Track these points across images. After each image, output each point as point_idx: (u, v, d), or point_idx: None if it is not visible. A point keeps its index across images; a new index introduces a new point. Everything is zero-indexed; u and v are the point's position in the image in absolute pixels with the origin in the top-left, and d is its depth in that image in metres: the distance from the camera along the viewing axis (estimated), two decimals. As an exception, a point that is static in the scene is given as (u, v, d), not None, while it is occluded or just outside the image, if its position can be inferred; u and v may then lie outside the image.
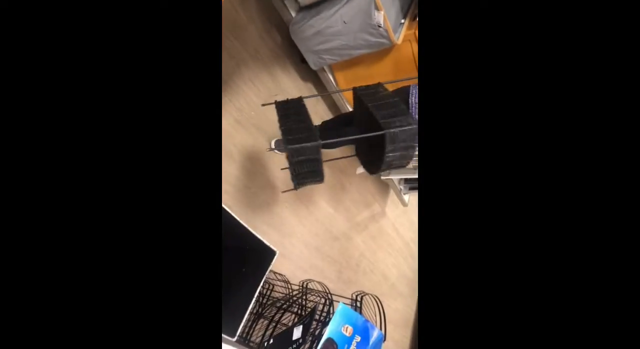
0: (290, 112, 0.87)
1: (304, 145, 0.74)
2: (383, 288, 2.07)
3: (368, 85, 0.94)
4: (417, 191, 2.07)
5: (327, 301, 0.89)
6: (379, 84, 0.95)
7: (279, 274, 1.30)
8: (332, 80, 1.44)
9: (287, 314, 0.96)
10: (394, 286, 2.16)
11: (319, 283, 1.22)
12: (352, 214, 1.86)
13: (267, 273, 0.86)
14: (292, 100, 0.94)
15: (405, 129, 0.76)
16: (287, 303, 0.97)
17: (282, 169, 1.39)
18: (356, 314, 0.83)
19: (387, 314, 2.12)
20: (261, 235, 1.38)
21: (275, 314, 0.91)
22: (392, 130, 0.75)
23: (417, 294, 2.47)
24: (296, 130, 0.78)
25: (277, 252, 0.89)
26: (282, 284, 1.22)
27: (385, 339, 1.05)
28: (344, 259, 1.77)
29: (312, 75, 1.51)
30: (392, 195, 2.18)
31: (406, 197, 2.10)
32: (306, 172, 0.80)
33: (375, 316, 1.14)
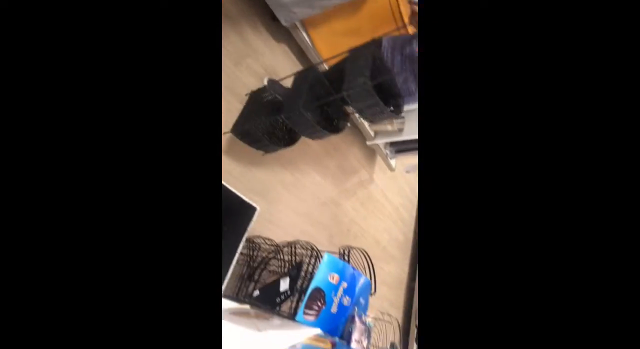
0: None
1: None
2: (375, 252, 2.09)
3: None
4: (403, 154, 2.06)
5: (314, 253, 0.88)
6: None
7: (268, 239, 1.29)
8: (307, 39, 1.38)
9: (275, 272, 0.95)
10: (385, 250, 2.18)
11: (307, 242, 1.21)
12: (340, 181, 1.85)
13: (248, 229, 0.84)
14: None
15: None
16: (275, 254, 0.96)
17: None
18: (342, 262, 0.82)
19: (381, 276, 2.15)
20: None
21: (261, 264, 0.90)
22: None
23: (409, 258, 2.52)
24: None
25: (258, 208, 0.87)
26: (272, 248, 1.21)
27: (374, 292, 1.05)
28: (334, 225, 1.77)
29: (285, 35, 1.44)
30: (379, 160, 2.17)
31: (393, 162, 2.08)
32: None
33: (365, 270, 1.14)
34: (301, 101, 0.81)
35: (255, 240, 1.24)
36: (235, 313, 0.52)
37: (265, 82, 1.20)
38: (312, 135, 0.96)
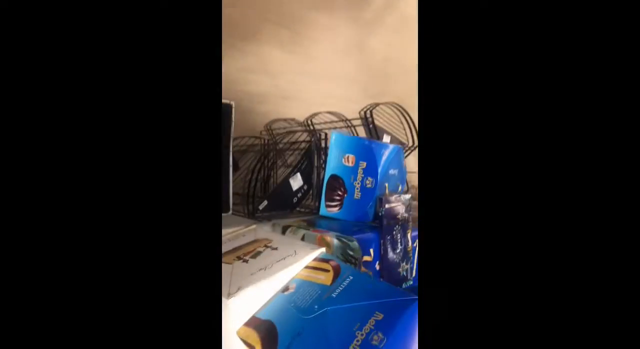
0: None
1: None
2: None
3: None
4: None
5: (322, 135, 0.71)
6: None
7: (290, 119, 1.13)
8: None
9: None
10: (438, 78, 1.85)
11: (329, 112, 1.03)
12: (357, 13, 1.43)
13: (231, 129, 0.68)
14: None
15: None
16: (287, 147, 0.83)
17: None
18: (353, 138, 0.65)
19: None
20: (246, 85, 1.16)
21: (268, 161, 0.79)
22: None
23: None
24: None
25: (233, 104, 0.69)
26: (294, 128, 1.07)
27: (415, 145, 0.88)
28: (364, 74, 1.48)
29: None
30: (405, -39, 1.57)
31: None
32: None
33: (402, 124, 0.95)
34: None
35: (272, 126, 1.10)
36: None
37: None
38: None
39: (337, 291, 0.36)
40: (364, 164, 0.63)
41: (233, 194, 0.69)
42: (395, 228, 0.62)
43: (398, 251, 0.62)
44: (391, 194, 0.67)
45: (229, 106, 0.67)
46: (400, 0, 1.60)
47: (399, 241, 0.63)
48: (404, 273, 0.64)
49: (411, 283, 0.66)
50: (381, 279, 0.59)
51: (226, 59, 1.09)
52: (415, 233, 0.68)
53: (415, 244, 0.68)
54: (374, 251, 0.58)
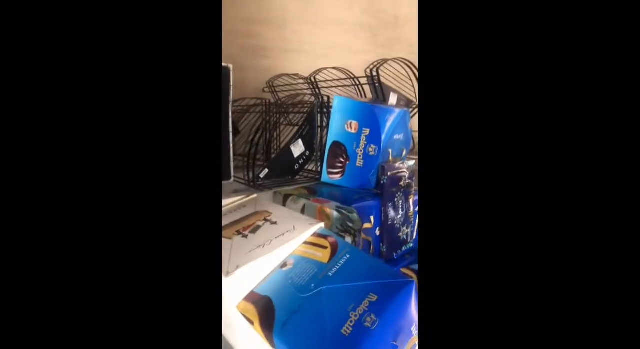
0: None
1: None
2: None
3: None
4: None
5: (325, 99, 0.68)
6: None
7: (294, 75, 1.07)
8: None
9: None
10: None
11: (335, 68, 0.97)
12: (367, -53, 1.27)
13: (230, 94, 0.65)
14: None
15: None
16: (291, 109, 0.80)
17: None
18: (357, 103, 0.61)
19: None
20: (248, 38, 1.09)
21: (270, 124, 0.77)
22: None
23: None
24: None
25: (230, 67, 0.65)
26: (298, 86, 1.02)
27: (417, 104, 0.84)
28: (373, 19, 1.36)
29: None
30: None
31: None
32: None
33: (410, 80, 0.89)
34: None
35: (274, 83, 1.05)
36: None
37: None
38: None
39: (334, 269, 0.37)
40: (367, 131, 0.61)
41: (234, 155, 0.68)
42: (397, 195, 0.62)
43: (399, 216, 0.62)
44: (395, 160, 0.65)
45: (227, 69, 0.64)
46: None
47: (401, 206, 0.63)
48: (404, 237, 0.65)
49: (411, 245, 0.68)
50: (381, 245, 0.60)
51: (227, 8, 1.01)
52: (417, 198, 0.68)
53: (416, 209, 0.68)
54: (374, 218, 0.58)
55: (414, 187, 0.66)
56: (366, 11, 1.33)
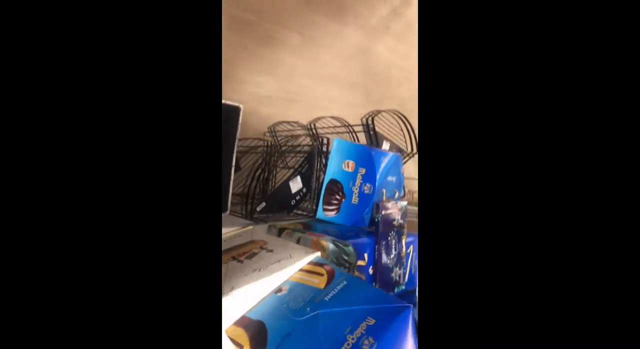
0: None
1: None
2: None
3: None
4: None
5: (324, 140, 0.72)
6: None
7: (293, 122, 1.14)
8: None
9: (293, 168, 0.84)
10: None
11: (332, 117, 1.04)
12: (364, 19, 1.45)
13: (237, 132, 0.69)
14: None
15: None
16: (290, 150, 0.84)
17: None
18: (354, 145, 0.66)
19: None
20: (254, 87, 1.18)
21: (269, 165, 0.80)
22: None
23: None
24: None
25: (241, 107, 0.70)
26: (296, 132, 1.08)
27: (414, 152, 0.89)
28: (368, 79, 1.49)
29: None
30: (414, -31, 1.59)
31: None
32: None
33: (402, 131, 0.96)
34: None
35: (275, 128, 1.11)
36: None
37: None
38: None
39: (330, 294, 0.37)
40: (363, 171, 0.64)
41: (232, 194, 0.70)
42: (390, 234, 0.63)
43: (392, 256, 0.63)
44: (388, 200, 0.67)
45: (238, 109, 0.68)
46: (404, 8, 1.61)
47: (394, 246, 0.64)
48: (397, 278, 0.65)
49: (403, 287, 0.67)
50: (374, 284, 0.59)
51: (238, 60, 1.11)
52: (410, 239, 0.69)
53: (409, 250, 0.68)
54: (368, 256, 0.58)
55: (407, 228, 0.68)
56: (362, 72, 1.47)
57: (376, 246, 0.60)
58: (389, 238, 0.63)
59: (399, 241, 0.65)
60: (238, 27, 1.09)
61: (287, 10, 1.19)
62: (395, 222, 0.64)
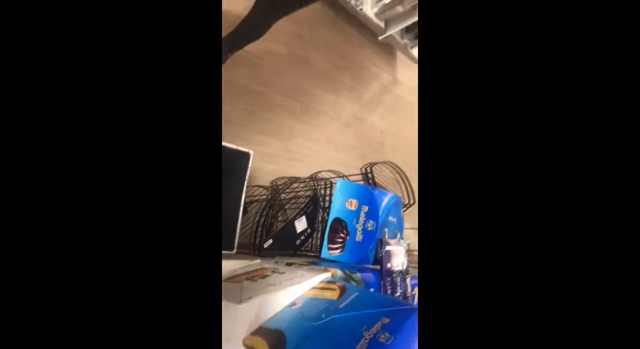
0: None
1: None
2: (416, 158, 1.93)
3: None
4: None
5: (328, 183, 0.78)
6: None
7: (294, 178, 1.21)
8: None
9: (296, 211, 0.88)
10: (430, 152, 2.01)
11: (330, 171, 1.11)
12: (359, 93, 1.64)
13: (247, 175, 0.75)
14: None
15: None
16: (293, 197, 0.89)
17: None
18: (356, 185, 0.71)
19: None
20: (259, 146, 1.27)
21: (272, 211, 0.83)
22: None
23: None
24: None
25: (251, 153, 0.77)
26: (295, 185, 1.14)
27: (412, 202, 0.94)
28: (363, 144, 1.62)
29: None
30: (399, 56, 1.87)
31: (414, 52, 1.78)
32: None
33: (399, 183, 1.02)
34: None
35: (277, 183, 1.17)
36: (225, 279, 0.45)
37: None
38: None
39: (344, 303, 0.38)
40: (365, 208, 0.68)
41: (238, 243, 0.72)
42: (395, 271, 0.64)
43: (397, 294, 0.63)
44: (391, 239, 0.70)
45: (247, 154, 0.75)
46: (394, 85, 1.85)
47: (399, 284, 0.64)
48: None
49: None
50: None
51: (245, 123, 1.22)
52: (415, 281, 0.70)
53: (414, 292, 0.68)
54: (374, 291, 0.59)
55: (411, 267, 0.69)
56: (358, 137, 1.60)
57: (382, 282, 0.61)
58: (394, 275, 0.64)
59: (404, 279, 0.66)
60: (246, 96, 1.24)
61: (290, 83, 1.37)
62: (398, 260, 0.66)
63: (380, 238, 0.65)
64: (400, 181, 1.01)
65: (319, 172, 1.10)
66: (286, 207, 0.96)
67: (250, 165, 0.77)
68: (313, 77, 1.46)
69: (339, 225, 0.69)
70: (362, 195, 0.69)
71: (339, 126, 1.52)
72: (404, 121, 1.88)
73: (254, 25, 0.96)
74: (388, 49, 1.80)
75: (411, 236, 1.09)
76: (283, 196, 1.01)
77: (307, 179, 1.06)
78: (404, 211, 0.92)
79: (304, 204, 0.76)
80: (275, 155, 1.30)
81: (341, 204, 0.70)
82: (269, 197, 1.00)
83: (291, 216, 0.84)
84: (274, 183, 1.18)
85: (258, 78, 1.28)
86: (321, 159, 1.43)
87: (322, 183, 0.79)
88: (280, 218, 0.95)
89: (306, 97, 1.42)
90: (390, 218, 0.73)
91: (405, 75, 1.90)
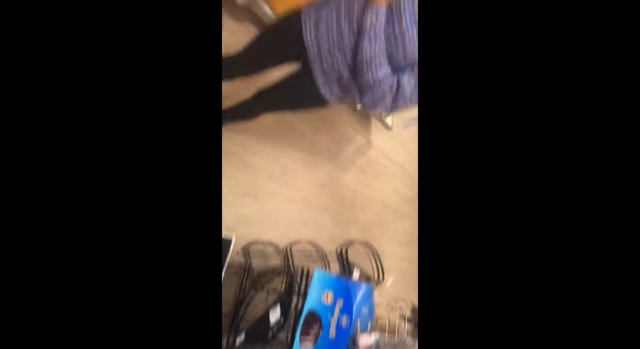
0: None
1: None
2: (385, 216, 2.03)
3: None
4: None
5: (304, 271, 0.81)
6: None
7: (268, 243, 1.23)
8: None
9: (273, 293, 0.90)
10: (396, 211, 2.12)
11: (308, 242, 1.14)
12: (334, 154, 1.73)
13: (226, 263, 0.76)
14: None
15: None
16: (267, 278, 0.90)
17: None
18: (334, 277, 0.75)
19: (396, 237, 2.10)
20: (237, 208, 1.29)
21: (246, 294, 0.84)
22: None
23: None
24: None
25: (233, 238, 0.79)
26: (270, 253, 1.15)
27: (382, 279, 0.99)
28: (336, 203, 1.69)
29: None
30: (374, 122, 2.01)
31: (389, 120, 1.93)
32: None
33: (370, 260, 1.08)
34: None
35: (250, 248, 1.18)
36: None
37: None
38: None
39: None
40: (341, 303, 0.72)
41: None
42: (365, 369, 0.67)
43: (367, 394, 0.65)
44: (362, 333, 0.74)
45: (229, 241, 0.77)
46: (367, 148, 1.97)
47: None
48: None
49: None
50: None
51: (226, 185, 1.24)
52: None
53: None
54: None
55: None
56: (331, 197, 1.67)
57: (353, 382, 0.63)
58: (364, 373, 0.67)
59: (373, 376, 0.69)
60: (226, 157, 1.27)
61: (267, 144, 1.42)
62: (369, 357, 0.69)
63: (353, 336, 0.69)
64: (372, 259, 1.06)
65: (296, 242, 1.13)
66: (261, 280, 0.97)
67: (231, 250, 0.78)
68: (292, 139, 1.53)
69: (313, 318, 0.72)
70: (338, 288, 0.73)
71: (314, 187, 1.58)
72: (375, 181, 1.99)
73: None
74: (364, 116, 1.94)
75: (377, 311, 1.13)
76: (256, 266, 1.02)
77: (282, 251, 1.08)
78: (375, 287, 0.97)
79: (281, 292, 0.79)
80: (251, 216, 1.32)
81: (317, 295, 0.73)
82: (244, 268, 1.01)
83: (264, 301, 0.86)
84: (247, 248, 1.19)
85: (234, 140, 1.31)
86: (295, 220, 1.47)
87: (299, 270, 0.82)
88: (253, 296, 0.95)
89: (282, 157, 1.48)
90: (363, 309, 0.77)
91: (380, 139, 2.04)
